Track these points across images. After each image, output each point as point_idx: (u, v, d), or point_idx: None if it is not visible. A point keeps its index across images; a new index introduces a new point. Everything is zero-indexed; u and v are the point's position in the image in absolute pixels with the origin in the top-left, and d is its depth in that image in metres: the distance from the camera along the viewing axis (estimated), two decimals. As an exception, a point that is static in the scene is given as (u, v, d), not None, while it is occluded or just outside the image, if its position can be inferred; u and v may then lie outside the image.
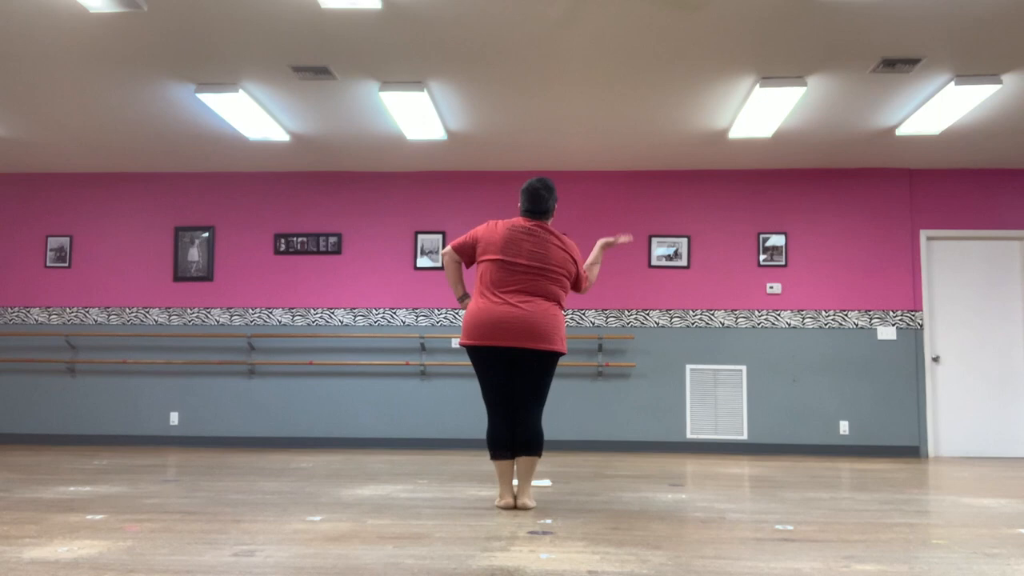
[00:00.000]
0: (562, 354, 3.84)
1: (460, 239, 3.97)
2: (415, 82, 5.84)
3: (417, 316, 7.89)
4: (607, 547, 2.86)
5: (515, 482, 3.91)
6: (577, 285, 3.99)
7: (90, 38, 5.16)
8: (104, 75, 5.78)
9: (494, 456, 3.83)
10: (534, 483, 4.82)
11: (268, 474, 5.25)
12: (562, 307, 3.88)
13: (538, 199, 3.86)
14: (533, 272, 3.78)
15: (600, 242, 4.20)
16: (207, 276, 8.07)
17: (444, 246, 7.92)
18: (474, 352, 3.82)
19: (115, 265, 8.15)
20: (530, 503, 3.80)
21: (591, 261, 4.17)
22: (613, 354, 7.76)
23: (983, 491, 4.77)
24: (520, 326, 3.71)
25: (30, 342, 8.12)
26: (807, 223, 7.81)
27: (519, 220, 3.88)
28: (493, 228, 3.88)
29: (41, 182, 8.31)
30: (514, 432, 3.81)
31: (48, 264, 8.20)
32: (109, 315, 8.09)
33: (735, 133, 6.74)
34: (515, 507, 3.79)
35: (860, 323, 7.66)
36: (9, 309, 8.18)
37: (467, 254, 3.94)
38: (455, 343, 7.83)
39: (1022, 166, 7.73)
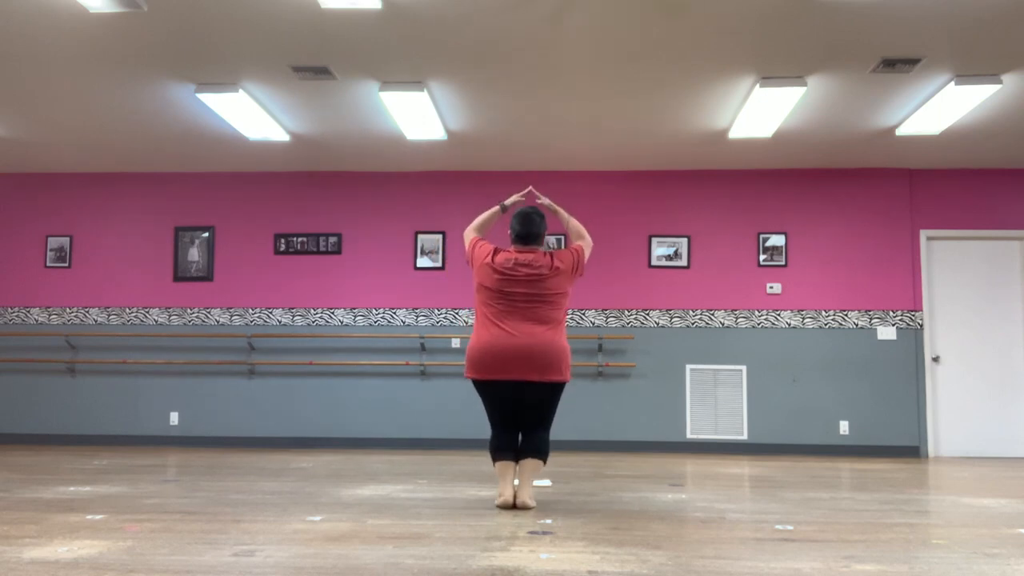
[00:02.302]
0: (566, 382, 3.86)
1: (472, 242, 4.01)
2: (415, 82, 5.84)
3: (417, 316, 7.89)
4: (607, 547, 2.86)
5: (515, 483, 3.91)
6: (581, 265, 3.98)
7: (90, 38, 5.16)
8: (104, 75, 5.78)
9: (496, 458, 3.85)
10: (534, 483, 4.82)
11: (268, 474, 5.25)
12: (564, 329, 3.88)
13: (530, 222, 3.88)
14: (533, 300, 3.78)
15: (548, 202, 4.19)
16: (207, 276, 8.07)
17: (444, 246, 7.93)
18: (479, 385, 3.83)
19: (115, 265, 8.15)
20: (530, 502, 3.80)
21: (564, 220, 4.15)
22: (613, 354, 7.76)
23: (983, 491, 4.77)
24: (525, 358, 3.72)
25: (30, 342, 8.12)
26: (807, 223, 7.81)
27: (512, 252, 3.87)
28: (489, 254, 3.87)
29: (41, 182, 8.31)
30: (516, 441, 3.87)
31: (48, 264, 8.20)
32: (109, 315, 8.09)
33: (735, 133, 6.74)
34: (514, 506, 3.79)
35: (860, 323, 7.66)
36: (9, 309, 8.18)
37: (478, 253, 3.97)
38: (455, 343, 7.83)
39: (1022, 166, 7.73)
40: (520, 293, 3.78)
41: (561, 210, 4.18)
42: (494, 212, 4.18)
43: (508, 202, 4.18)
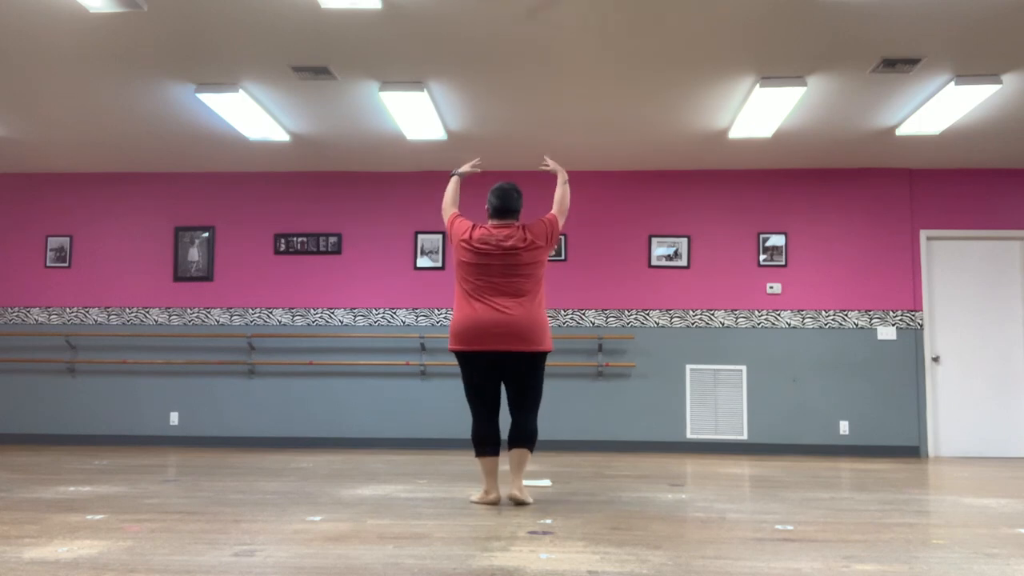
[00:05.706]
0: (548, 352, 3.95)
1: (451, 218, 4.11)
2: (415, 82, 5.84)
3: (417, 316, 7.89)
4: (607, 547, 2.86)
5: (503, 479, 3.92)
6: (554, 235, 4.04)
7: (90, 38, 5.16)
8: (104, 75, 5.78)
9: (479, 453, 3.93)
10: (535, 483, 4.82)
11: (268, 474, 5.26)
12: (542, 300, 3.96)
13: (507, 197, 3.98)
14: (509, 275, 3.88)
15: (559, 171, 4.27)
16: (207, 276, 8.07)
17: (444, 246, 7.94)
18: (462, 357, 3.92)
19: (115, 265, 8.15)
20: (526, 496, 3.82)
21: (561, 184, 4.20)
22: (613, 354, 7.76)
23: (983, 491, 4.77)
24: (506, 330, 3.82)
25: (30, 342, 8.12)
26: (807, 223, 7.81)
27: (489, 229, 3.96)
28: (468, 231, 3.96)
29: (41, 182, 8.31)
30: (498, 431, 3.94)
31: (48, 264, 8.20)
32: (109, 315, 8.09)
33: (735, 133, 6.74)
34: (498, 502, 3.82)
35: (860, 323, 7.66)
36: (9, 309, 8.18)
37: (455, 224, 4.06)
38: (455, 343, 7.83)
39: (1022, 166, 7.73)
40: (497, 267, 3.87)
41: (564, 175, 4.24)
42: (455, 183, 4.28)
43: (462, 170, 4.29)
